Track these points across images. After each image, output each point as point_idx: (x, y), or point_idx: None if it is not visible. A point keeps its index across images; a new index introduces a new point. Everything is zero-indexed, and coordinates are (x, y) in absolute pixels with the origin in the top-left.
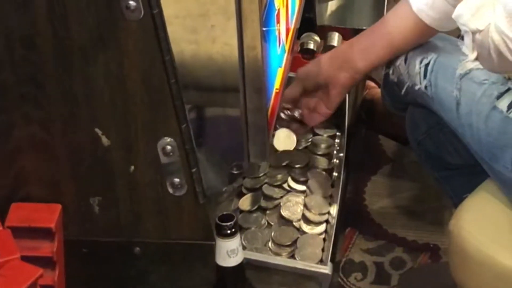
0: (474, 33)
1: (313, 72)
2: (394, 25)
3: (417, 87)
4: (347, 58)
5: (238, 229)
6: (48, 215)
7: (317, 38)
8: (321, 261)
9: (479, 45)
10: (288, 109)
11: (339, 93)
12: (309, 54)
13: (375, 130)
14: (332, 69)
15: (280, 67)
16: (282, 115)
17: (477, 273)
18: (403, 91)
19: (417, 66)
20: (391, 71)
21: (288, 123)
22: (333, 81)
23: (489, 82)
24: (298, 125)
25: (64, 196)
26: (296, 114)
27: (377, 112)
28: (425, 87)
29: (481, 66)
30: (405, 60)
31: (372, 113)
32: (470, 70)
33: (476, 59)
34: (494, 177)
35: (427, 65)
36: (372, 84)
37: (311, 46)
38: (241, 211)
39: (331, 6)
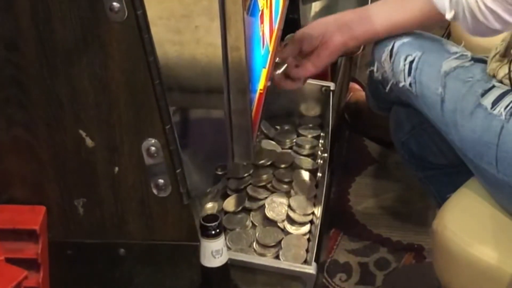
0: None
1: (308, 30)
2: (404, 3)
3: (401, 84)
4: (347, 22)
5: (223, 230)
6: (33, 217)
7: None
8: (306, 262)
9: (454, 4)
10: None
11: (329, 55)
12: None
13: (359, 133)
14: (329, 29)
15: (264, 67)
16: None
17: (461, 271)
18: (387, 88)
19: (402, 63)
20: (375, 68)
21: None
22: (327, 41)
23: (473, 80)
24: (289, 81)
25: (49, 198)
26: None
27: (362, 114)
28: (410, 84)
29: (466, 64)
30: (390, 56)
31: (356, 115)
32: (455, 68)
33: (454, 19)
34: (478, 175)
35: (411, 62)
36: (356, 86)
37: None
38: (226, 212)
39: (315, 7)
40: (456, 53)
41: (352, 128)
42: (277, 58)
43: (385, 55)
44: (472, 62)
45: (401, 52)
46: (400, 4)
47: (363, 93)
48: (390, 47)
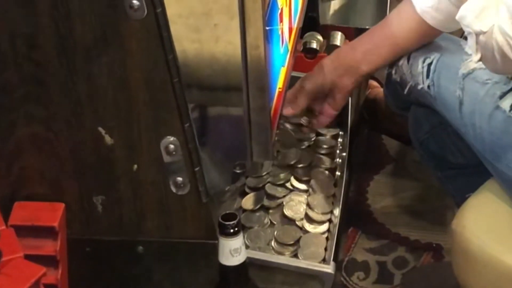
0: (477, 34)
1: (319, 82)
2: (397, 27)
3: (419, 87)
4: (351, 63)
5: (241, 228)
6: (51, 213)
7: (320, 37)
8: (324, 260)
9: (483, 46)
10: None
11: (344, 97)
12: (312, 54)
13: (377, 130)
14: (336, 75)
15: (283, 66)
16: (288, 125)
17: (480, 272)
18: (406, 90)
19: (420, 66)
20: (393, 71)
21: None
22: (339, 86)
23: (492, 81)
24: (307, 129)
25: (68, 195)
26: (303, 121)
27: (380, 111)
28: (428, 86)
29: (484, 66)
30: (408, 60)
31: (375, 112)
32: (473, 70)
33: (480, 60)
34: (497, 177)
35: (430, 64)
36: (374, 83)
37: (314, 45)
38: (244, 210)
39: (334, 5)
40: None
41: (371, 125)
42: (290, 113)
43: (403, 58)
44: None
45: (419, 54)
46: (395, 26)
47: (381, 90)
48: None
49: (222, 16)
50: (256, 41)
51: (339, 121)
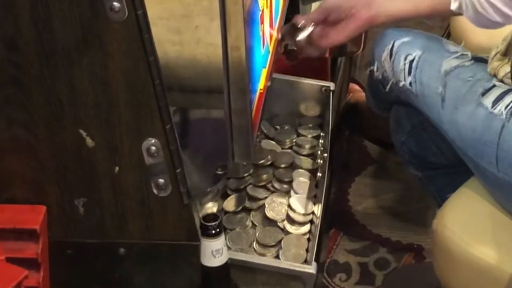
0: None
1: (339, 3)
2: None
3: (401, 84)
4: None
5: (223, 229)
6: (33, 216)
7: None
8: (306, 261)
9: None
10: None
11: (354, 28)
12: (292, 56)
13: (358, 134)
14: (358, 3)
15: (264, 67)
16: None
17: (460, 271)
18: (388, 88)
19: (402, 63)
20: (375, 68)
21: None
22: (355, 14)
23: (474, 79)
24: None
25: (49, 197)
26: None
27: (361, 115)
28: (410, 83)
29: (466, 64)
30: (390, 56)
31: (356, 116)
32: (455, 68)
33: (459, 8)
34: (478, 174)
35: (412, 61)
36: (356, 87)
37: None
38: (226, 212)
39: (315, 7)
40: (456, 52)
41: (352, 129)
42: (301, 22)
43: (385, 54)
44: (472, 61)
45: (401, 51)
46: None
47: (363, 94)
48: (390, 46)
49: (203, 18)
50: (237, 42)
51: (320, 123)
